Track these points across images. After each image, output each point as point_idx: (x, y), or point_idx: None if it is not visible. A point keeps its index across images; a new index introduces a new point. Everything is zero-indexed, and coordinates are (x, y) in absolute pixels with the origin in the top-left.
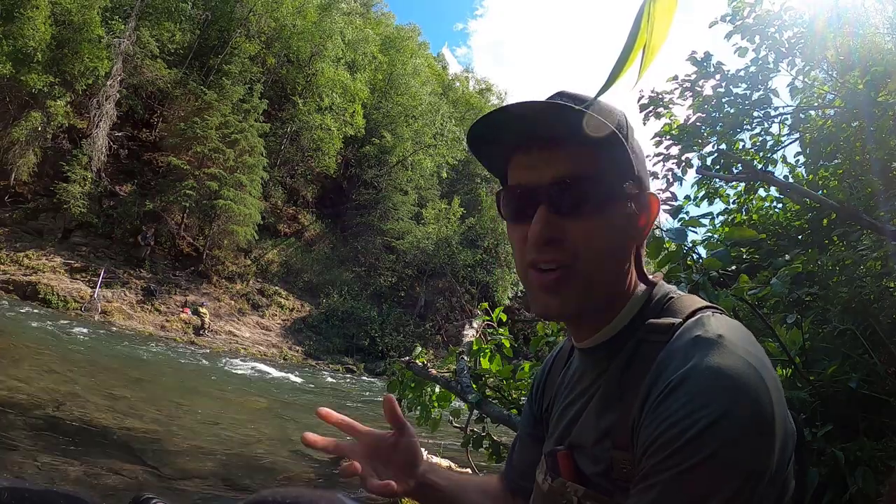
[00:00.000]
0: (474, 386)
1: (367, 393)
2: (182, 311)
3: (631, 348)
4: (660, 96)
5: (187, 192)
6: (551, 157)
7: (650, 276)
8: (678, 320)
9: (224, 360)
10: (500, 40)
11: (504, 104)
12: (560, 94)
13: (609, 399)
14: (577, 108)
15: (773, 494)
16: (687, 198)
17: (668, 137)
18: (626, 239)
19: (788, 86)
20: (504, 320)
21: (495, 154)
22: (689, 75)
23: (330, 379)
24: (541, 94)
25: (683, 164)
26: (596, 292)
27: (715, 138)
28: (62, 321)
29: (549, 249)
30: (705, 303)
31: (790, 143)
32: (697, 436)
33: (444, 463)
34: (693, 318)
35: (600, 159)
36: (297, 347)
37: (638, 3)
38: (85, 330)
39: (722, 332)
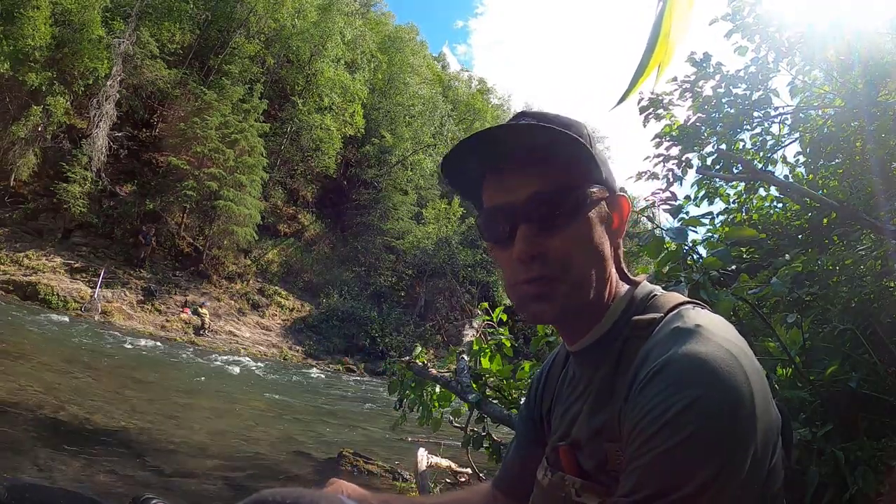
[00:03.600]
0: (474, 386)
1: (367, 393)
2: (182, 311)
3: (619, 346)
4: (659, 98)
5: (187, 192)
6: (523, 175)
7: (633, 277)
8: (660, 315)
9: (224, 360)
10: (500, 39)
11: (505, 105)
12: (522, 114)
13: (602, 397)
14: (542, 125)
15: (758, 480)
16: (687, 198)
17: (667, 138)
18: (605, 241)
19: (788, 85)
20: (504, 320)
21: (469, 180)
22: (689, 76)
23: (330, 379)
24: (542, 95)
25: (684, 164)
26: (584, 294)
27: (715, 139)
28: (62, 321)
29: (535, 266)
30: (687, 298)
31: (790, 142)
32: (673, 419)
33: (444, 463)
34: (673, 312)
35: (569, 170)
36: (298, 347)
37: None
38: (85, 330)
39: (700, 322)
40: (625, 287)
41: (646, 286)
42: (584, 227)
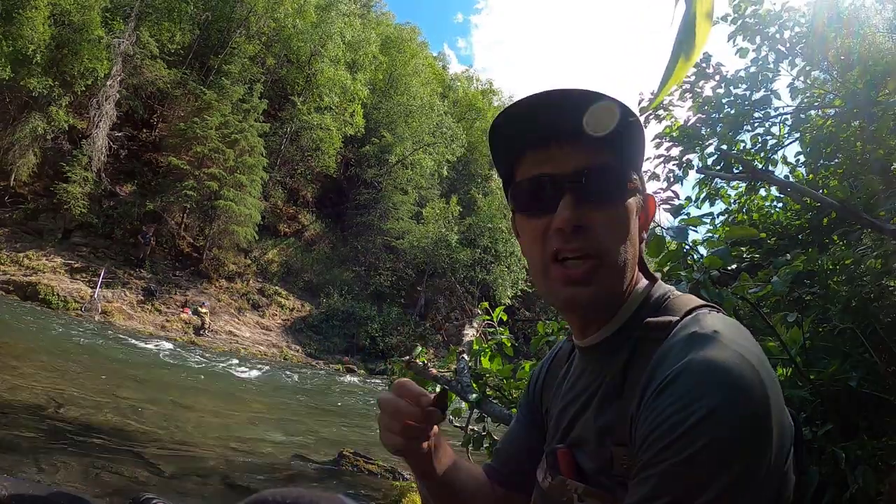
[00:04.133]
0: (475, 385)
1: (367, 393)
2: (182, 311)
3: (630, 346)
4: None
5: (187, 192)
6: (574, 147)
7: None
8: (675, 318)
9: (224, 360)
10: (500, 39)
11: (514, 101)
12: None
13: (609, 397)
14: (608, 98)
15: (771, 488)
16: (688, 199)
17: (668, 139)
18: (637, 232)
19: (789, 86)
20: (504, 320)
21: (511, 147)
22: (689, 77)
23: (330, 379)
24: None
25: (685, 165)
26: (619, 282)
27: (716, 139)
28: (62, 321)
29: (575, 239)
30: (703, 301)
31: (790, 143)
32: (691, 429)
33: None
34: (690, 316)
35: (621, 152)
36: (298, 347)
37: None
38: (85, 330)
39: (718, 328)
40: (641, 285)
41: (661, 286)
42: (624, 211)
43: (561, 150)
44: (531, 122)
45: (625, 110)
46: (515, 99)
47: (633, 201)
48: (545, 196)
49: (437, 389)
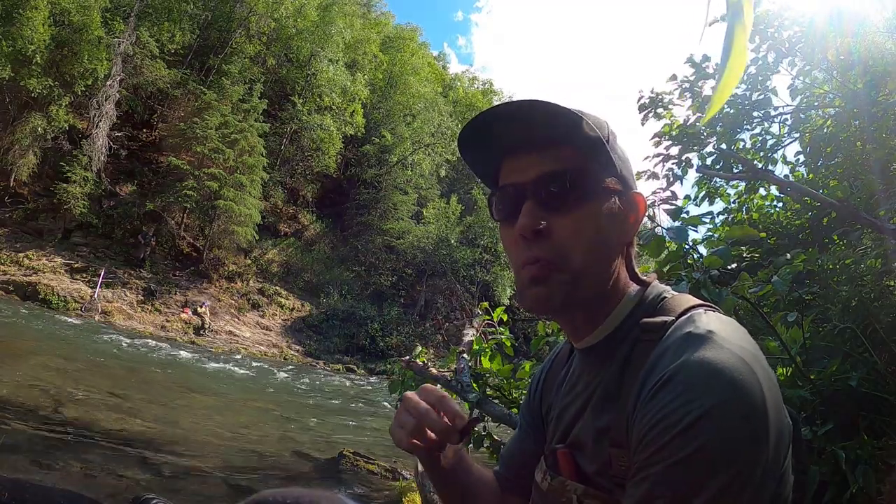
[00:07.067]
0: (475, 385)
1: (367, 393)
2: (182, 311)
3: (627, 348)
4: (659, 97)
5: (187, 192)
6: (537, 156)
7: (644, 277)
8: (671, 318)
9: (224, 360)
10: (500, 38)
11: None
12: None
13: (607, 398)
14: (563, 107)
15: (769, 488)
16: (687, 197)
17: (666, 138)
18: (613, 235)
19: (789, 87)
20: (504, 320)
21: (486, 158)
22: (688, 77)
23: (330, 378)
24: (542, 93)
25: (684, 163)
26: (584, 285)
27: (715, 138)
28: (62, 321)
29: (535, 246)
30: (698, 301)
31: (790, 142)
32: (687, 428)
33: None
34: (685, 316)
35: (583, 157)
36: (298, 347)
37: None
38: (85, 330)
39: (713, 327)
40: (634, 286)
41: (656, 286)
42: (590, 214)
43: (528, 157)
44: (501, 130)
45: (591, 118)
46: (515, 98)
47: (604, 203)
48: (513, 205)
49: (467, 409)
